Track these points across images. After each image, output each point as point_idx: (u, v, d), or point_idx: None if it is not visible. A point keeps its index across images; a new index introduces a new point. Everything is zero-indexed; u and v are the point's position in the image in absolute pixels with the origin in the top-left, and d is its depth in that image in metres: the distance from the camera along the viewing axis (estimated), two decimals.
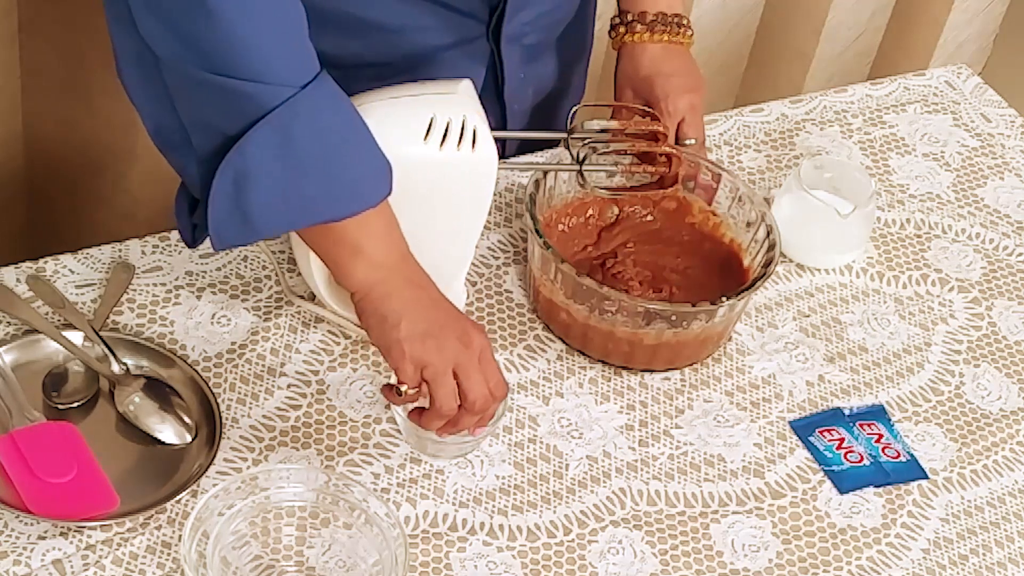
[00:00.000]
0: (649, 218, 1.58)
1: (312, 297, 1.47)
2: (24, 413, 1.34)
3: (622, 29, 1.62)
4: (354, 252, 1.29)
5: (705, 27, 2.52)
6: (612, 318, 1.45)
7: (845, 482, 1.43)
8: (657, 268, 1.54)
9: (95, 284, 1.48)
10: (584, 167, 1.50)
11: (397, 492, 1.36)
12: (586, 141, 1.51)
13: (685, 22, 1.62)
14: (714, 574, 1.35)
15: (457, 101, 1.35)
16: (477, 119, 1.35)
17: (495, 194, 1.63)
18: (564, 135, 1.52)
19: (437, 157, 1.34)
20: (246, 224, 1.28)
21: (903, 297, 1.62)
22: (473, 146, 1.35)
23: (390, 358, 1.30)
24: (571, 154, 1.51)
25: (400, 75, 1.44)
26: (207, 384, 1.40)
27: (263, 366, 1.44)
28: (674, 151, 1.54)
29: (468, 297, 1.53)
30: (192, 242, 1.36)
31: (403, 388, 1.30)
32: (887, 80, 1.89)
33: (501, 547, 1.33)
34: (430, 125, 1.34)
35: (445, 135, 1.34)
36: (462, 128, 1.34)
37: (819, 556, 1.37)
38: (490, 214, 1.61)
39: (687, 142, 1.56)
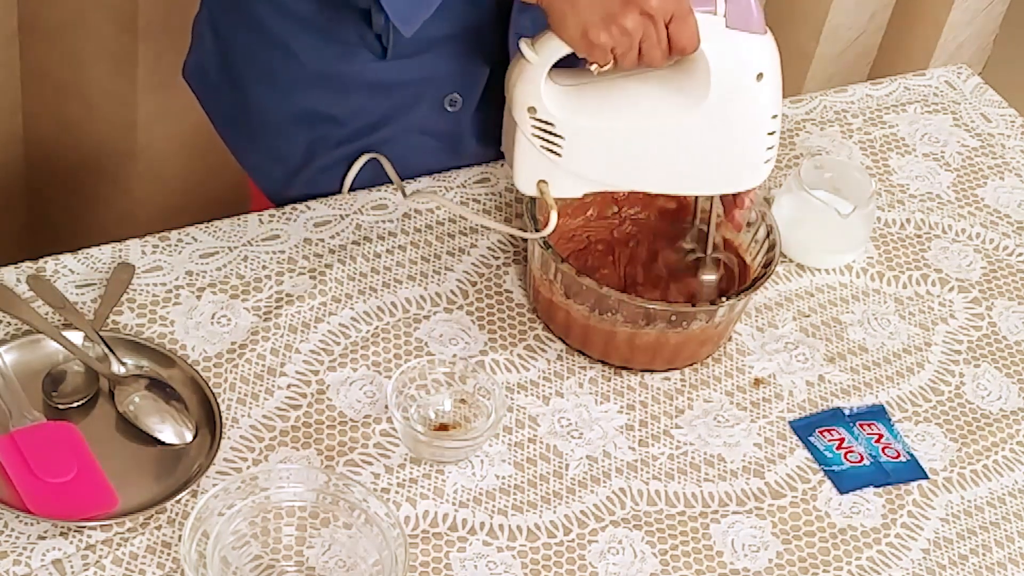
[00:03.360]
0: (649, 218, 1.58)
1: None
2: (24, 413, 1.34)
3: None
4: None
5: None
6: (612, 318, 1.45)
7: (845, 482, 1.43)
8: (657, 268, 1.54)
9: (95, 284, 1.48)
10: None
11: (397, 492, 1.36)
12: None
13: None
14: (714, 574, 1.35)
15: None
16: None
17: (495, 195, 1.63)
18: None
19: None
20: None
21: (903, 297, 1.62)
22: None
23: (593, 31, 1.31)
24: None
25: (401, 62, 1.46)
26: (207, 384, 1.40)
27: (263, 366, 1.44)
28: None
29: (468, 297, 1.53)
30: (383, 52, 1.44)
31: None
32: (887, 80, 1.89)
33: (501, 547, 1.34)
34: None
35: None
36: None
37: (819, 556, 1.37)
38: (490, 214, 1.61)
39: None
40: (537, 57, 1.37)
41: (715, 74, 1.36)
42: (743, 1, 1.35)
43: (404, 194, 1.57)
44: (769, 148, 1.42)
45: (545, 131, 1.40)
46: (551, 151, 1.41)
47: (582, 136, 1.40)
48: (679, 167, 1.42)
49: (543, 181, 1.44)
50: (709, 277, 1.50)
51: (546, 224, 1.44)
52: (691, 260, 1.51)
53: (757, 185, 1.47)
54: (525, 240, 1.56)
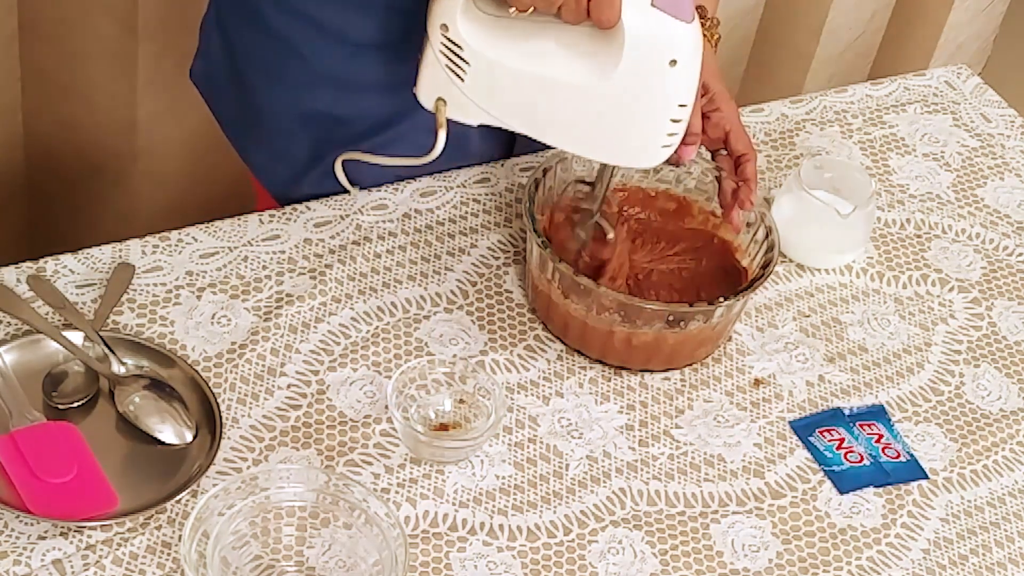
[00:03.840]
0: (649, 218, 1.58)
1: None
2: (24, 413, 1.34)
3: None
4: None
5: None
6: (610, 318, 1.45)
7: (845, 482, 1.43)
8: (656, 268, 1.54)
9: (95, 284, 1.48)
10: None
11: (397, 492, 1.36)
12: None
13: (716, 21, 1.61)
14: (714, 574, 1.35)
15: None
16: None
17: (495, 195, 1.63)
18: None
19: None
20: None
21: (903, 297, 1.62)
22: None
23: None
24: None
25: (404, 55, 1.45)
26: (207, 384, 1.40)
27: (263, 366, 1.44)
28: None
29: (468, 297, 1.53)
30: None
31: None
32: (887, 80, 1.89)
33: (501, 547, 1.34)
34: None
35: None
36: None
37: (819, 556, 1.37)
38: (490, 214, 1.61)
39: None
40: None
41: (628, 49, 1.34)
42: None
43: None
44: (670, 135, 1.40)
45: (453, 52, 1.39)
46: (455, 73, 1.40)
47: (487, 68, 1.39)
48: (576, 128, 1.41)
49: (441, 99, 1.43)
50: (579, 232, 1.50)
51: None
52: (586, 226, 1.51)
53: (649, 167, 1.46)
54: (525, 240, 1.56)
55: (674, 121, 1.39)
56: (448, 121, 1.50)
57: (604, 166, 1.48)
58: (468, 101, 1.41)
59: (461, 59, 1.39)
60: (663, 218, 1.58)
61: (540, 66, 1.38)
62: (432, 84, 1.42)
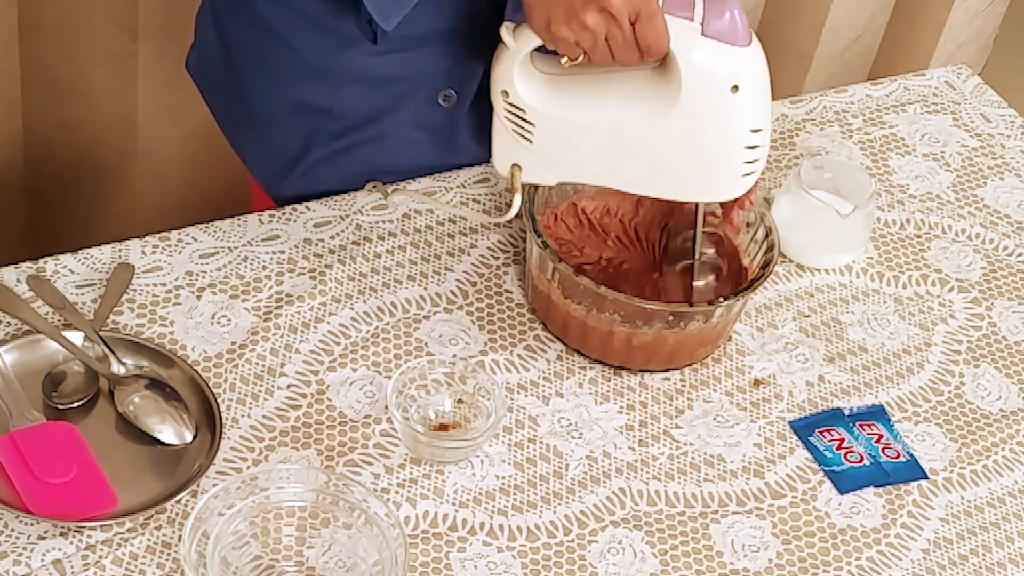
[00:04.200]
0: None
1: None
2: (24, 413, 1.34)
3: None
4: None
5: None
6: (609, 317, 1.45)
7: (845, 482, 1.43)
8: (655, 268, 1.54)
9: (95, 284, 1.48)
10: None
11: (397, 492, 1.36)
12: None
13: None
14: (714, 574, 1.35)
15: None
16: None
17: (495, 195, 1.63)
18: None
19: None
20: None
21: (903, 297, 1.62)
22: None
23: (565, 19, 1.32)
24: None
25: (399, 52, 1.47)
26: (207, 384, 1.40)
27: (263, 366, 1.44)
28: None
29: (468, 297, 1.53)
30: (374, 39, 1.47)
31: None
32: (887, 80, 1.89)
33: (501, 547, 1.34)
34: None
35: None
36: None
37: (819, 556, 1.37)
38: (490, 214, 1.61)
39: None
40: (514, 43, 1.37)
41: (685, 82, 1.35)
42: (723, 10, 1.33)
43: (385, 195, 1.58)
44: (749, 162, 1.40)
45: (517, 116, 1.40)
46: (522, 136, 1.41)
47: (552, 125, 1.40)
48: (649, 170, 1.41)
49: (516, 165, 1.44)
50: (699, 283, 1.50)
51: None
52: (684, 266, 1.51)
53: (733, 197, 1.45)
54: (525, 240, 1.56)
55: (749, 148, 1.39)
56: (443, 114, 1.51)
57: (696, 207, 1.47)
58: (540, 161, 1.43)
59: (526, 121, 1.40)
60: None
61: (600, 113, 1.39)
62: (504, 151, 1.44)
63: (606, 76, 1.38)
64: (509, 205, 1.45)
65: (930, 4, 2.74)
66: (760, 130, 1.39)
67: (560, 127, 1.40)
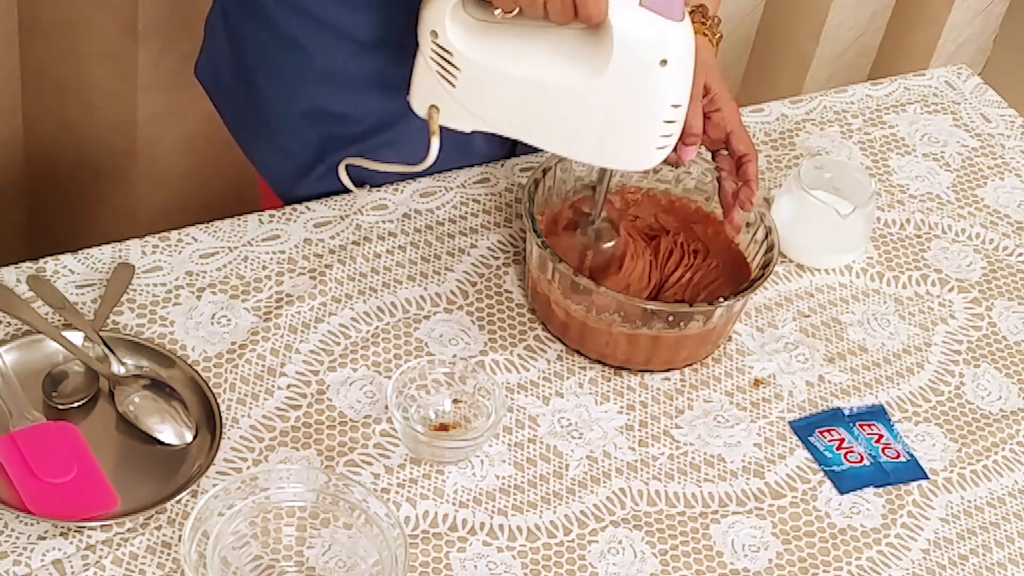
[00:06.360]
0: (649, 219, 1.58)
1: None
2: (24, 413, 1.34)
3: None
4: None
5: None
6: (609, 317, 1.45)
7: (845, 482, 1.43)
8: (685, 277, 1.53)
9: (95, 284, 1.48)
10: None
11: (397, 492, 1.36)
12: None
13: (717, 20, 1.60)
14: (714, 574, 1.35)
15: None
16: None
17: (495, 195, 1.63)
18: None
19: None
20: None
21: (903, 297, 1.62)
22: None
23: None
24: None
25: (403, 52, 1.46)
26: (207, 384, 1.40)
27: (263, 366, 1.44)
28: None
29: (468, 297, 1.53)
30: None
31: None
32: (887, 80, 1.89)
33: (501, 547, 1.34)
34: None
35: None
36: None
37: (819, 556, 1.37)
38: (490, 214, 1.61)
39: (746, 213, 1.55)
40: None
41: (617, 49, 1.34)
42: None
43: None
44: (664, 136, 1.39)
45: (443, 58, 1.39)
46: (446, 79, 1.40)
47: (477, 73, 1.39)
48: (569, 132, 1.41)
49: (434, 107, 1.43)
50: (607, 244, 1.49)
51: (427, 156, 1.44)
52: (588, 231, 1.51)
53: (645, 169, 1.46)
54: (525, 240, 1.56)
55: (667, 122, 1.39)
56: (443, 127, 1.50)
57: (602, 170, 1.48)
58: (460, 107, 1.41)
59: (451, 64, 1.39)
60: (693, 229, 1.57)
61: (530, 70, 1.38)
62: (424, 91, 1.42)
63: (538, 31, 1.36)
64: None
65: (930, 4, 2.74)
66: (679, 105, 1.38)
67: (485, 76, 1.39)
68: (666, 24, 1.33)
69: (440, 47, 1.39)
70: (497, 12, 1.34)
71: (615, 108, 1.37)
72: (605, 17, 1.32)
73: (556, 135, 1.41)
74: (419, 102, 1.43)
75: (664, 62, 1.34)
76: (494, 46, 1.38)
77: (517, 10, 1.33)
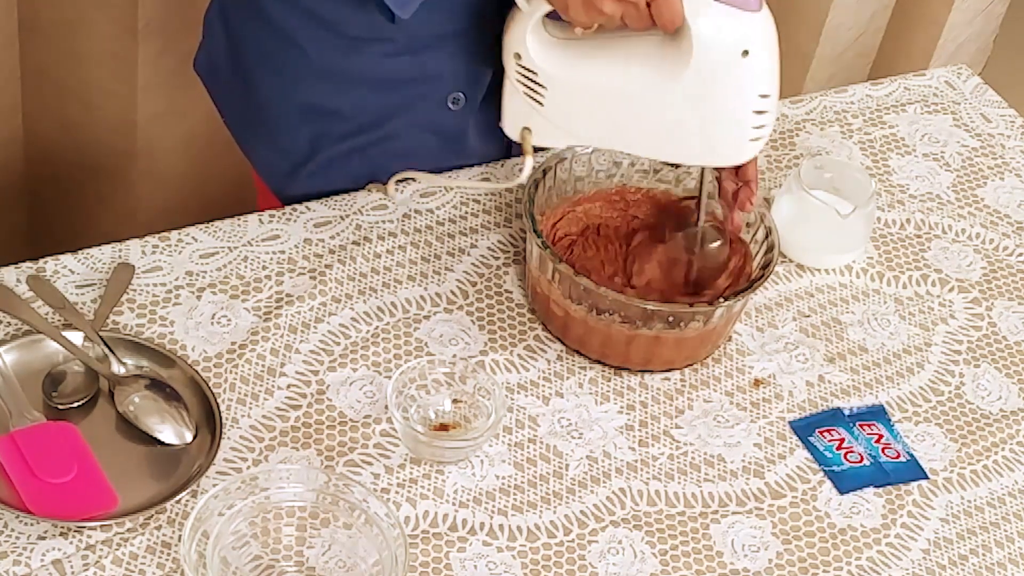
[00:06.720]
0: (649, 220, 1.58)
1: None
2: (24, 413, 1.34)
3: None
4: None
5: None
6: (609, 318, 1.45)
7: (845, 482, 1.43)
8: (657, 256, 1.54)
9: (95, 284, 1.48)
10: None
11: (397, 492, 1.36)
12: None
13: None
14: (714, 574, 1.35)
15: None
16: None
17: (495, 195, 1.63)
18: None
19: None
20: None
21: (903, 297, 1.62)
22: None
23: None
24: None
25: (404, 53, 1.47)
26: (207, 384, 1.40)
27: (263, 366, 1.44)
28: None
29: (468, 297, 1.53)
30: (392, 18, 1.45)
31: None
32: (887, 80, 1.89)
33: (501, 547, 1.34)
34: None
35: None
36: None
37: (819, 556, 1.37)
38: (490, 214, 1.61)
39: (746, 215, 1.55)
40: (528, 6, 1.38)
41: (697, 47, 1.35)
42: None
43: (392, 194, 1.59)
44: (757, 127, 1.41)
45: (528, 79, 1.41)
46: (533, 99, 1.42)
47: (564, 89, 1.41)
48: (659, 134, 1.42)
49: (527, 128, 1.45)
50: (713, 245, 1.50)
51: (520, 174, 1.46)
52: (692, 234, 1.51)
53: (741, 162, 1.46)
54: (525, 240, 1.56)
55: (758, 113, 1.40)
56: (452, 117, 1.51)
57: (701, 170, 1.48)
58: (550, 125, 1.44)
59: (538, 84, 1.41)
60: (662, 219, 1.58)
61: (614, 79, 1.40)
62: (514, 114, 1.45)
63: (618, 40, 1.39)
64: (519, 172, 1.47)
65: (930, 4, 2.74)
66: (768, 95, 1.40)
67: (571, 90, 1.41)
68: (742, 15, 1.35)
69: (525, 68, 1.41)
70: (577, 30, 1.37)
71: (703, 105, 1.39)
72: (682, 20, 1.33)
73: (649, 140, 1.43)
74: (511, 125, 1.46)
75: (746, 53, 1.36)
76: (576, 61, 1.40)
77: (596, 25, 1.35)
